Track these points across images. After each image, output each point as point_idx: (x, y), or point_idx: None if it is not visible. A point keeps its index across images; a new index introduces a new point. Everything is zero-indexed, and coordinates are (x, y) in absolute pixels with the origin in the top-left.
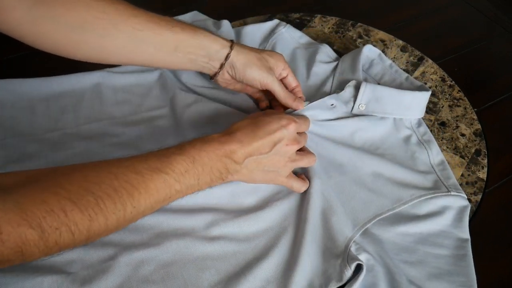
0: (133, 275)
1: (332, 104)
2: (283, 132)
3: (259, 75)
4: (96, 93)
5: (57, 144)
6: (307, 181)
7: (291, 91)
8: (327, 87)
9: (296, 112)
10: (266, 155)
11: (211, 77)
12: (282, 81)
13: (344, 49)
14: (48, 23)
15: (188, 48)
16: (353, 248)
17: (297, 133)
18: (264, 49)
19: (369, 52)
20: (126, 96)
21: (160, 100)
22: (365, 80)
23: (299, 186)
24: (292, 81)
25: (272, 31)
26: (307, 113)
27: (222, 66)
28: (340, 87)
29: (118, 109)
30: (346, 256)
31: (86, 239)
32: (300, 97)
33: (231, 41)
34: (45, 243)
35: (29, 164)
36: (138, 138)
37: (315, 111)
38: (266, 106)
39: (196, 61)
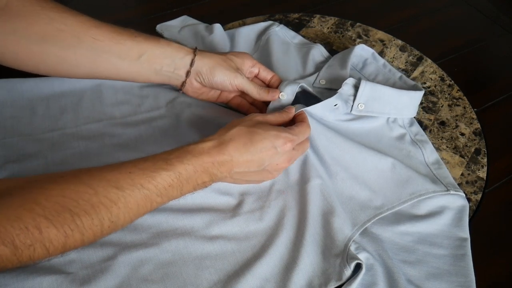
0: (133, 275)
1: (335, 105)
2: (275, 152)
3: (227, 76)
4: (96, 93)
5: (56, 144)
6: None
7: (269, 83)
8: (312, 78)
9: (299, 109)
10: (252, 171)
11: (179, 88)
12: (256, 78)
13: (343, 49)
14: (9, 37)
15: (152, 58)
16: (352, 248)
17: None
18: (228, 52)
19: (362, 51)
20: (126, 97)
21: (160, 100)
22: (359, 80)
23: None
24: (266, 74)
25: (266, 30)
26: (311, 111)
27: (188, 73)
28: (326, 80)
29: (118, 109)
30: (345, 255)
31: (62, 252)
32: (273, 88)
33: (195, 48)
34: (18, 258)
35: (29, 164)
36: (138, 138)
37: (318, 112)
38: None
39: (161, 72)
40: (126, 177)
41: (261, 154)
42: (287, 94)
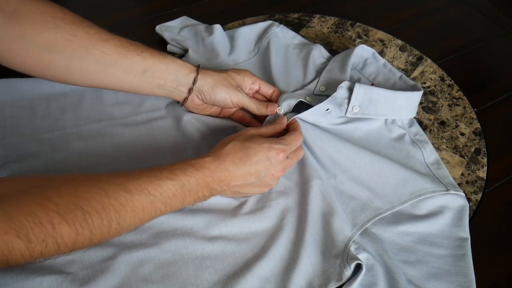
0: (133, 275)
1: (327, 109)
2: (270, 164)
3: (228, 94)
4: (96, 93)
5: (56, 144)
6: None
7: (270, 98)
8: (312, 85)
9: (289, 115)
10: (250, 183)
11: (181, 104)
12: (257, 93)
13: (343, 49)
14: (17, 43)
15: (156, 73)
16: (352, 248)
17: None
18: (229, 68)
19: (363, 51)
20: (126, 97)
21: (160, 101)
22: (359, 80)
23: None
24: (267, 90)
25: (266, 31)
26: (302, 118)
27: (190, 91)
28: (326, 85)
29: (118, 109)
30: (345, 255)
31: (70, 250)
32: (271, 103)
33: (197, 66)
34: (30, 253)
35: (29, 164)
36: (138, 138)
37: (310, 118)
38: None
39: (164, 86)
40: (134, 182)
41: (257, 167)
42: (284, 108)
